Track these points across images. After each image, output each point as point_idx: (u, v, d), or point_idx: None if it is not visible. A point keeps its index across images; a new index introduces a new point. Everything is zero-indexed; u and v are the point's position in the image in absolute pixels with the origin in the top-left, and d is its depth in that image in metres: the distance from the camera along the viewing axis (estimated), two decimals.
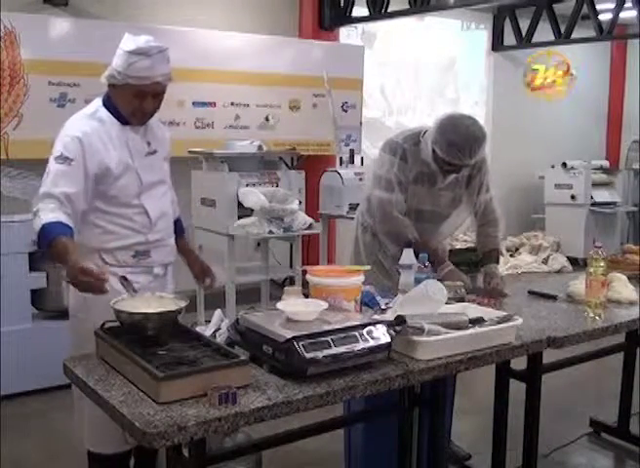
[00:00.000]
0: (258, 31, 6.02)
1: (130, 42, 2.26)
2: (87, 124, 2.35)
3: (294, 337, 1.79)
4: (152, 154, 2.46)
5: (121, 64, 2.24)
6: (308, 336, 1.81)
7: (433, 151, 2.76)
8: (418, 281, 2.38)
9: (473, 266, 2.96)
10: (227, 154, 4.87)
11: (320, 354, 1.79)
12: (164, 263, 2.53)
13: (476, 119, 2.82)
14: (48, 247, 2.14)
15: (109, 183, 2.33)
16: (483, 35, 8.30)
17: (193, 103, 5.68)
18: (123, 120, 2.36)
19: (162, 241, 2.48)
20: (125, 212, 2.38)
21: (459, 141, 2.67)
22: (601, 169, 8.26)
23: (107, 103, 2.37)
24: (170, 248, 2.55)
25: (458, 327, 2.07)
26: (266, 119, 6.10)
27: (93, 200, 2.33)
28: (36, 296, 4.09)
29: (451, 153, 2.69)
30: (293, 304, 2.04)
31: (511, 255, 7.93)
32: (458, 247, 5.99)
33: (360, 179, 5.52)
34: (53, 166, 2.28)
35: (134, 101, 2.30)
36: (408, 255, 2.54)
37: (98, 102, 2.41)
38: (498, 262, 2.98)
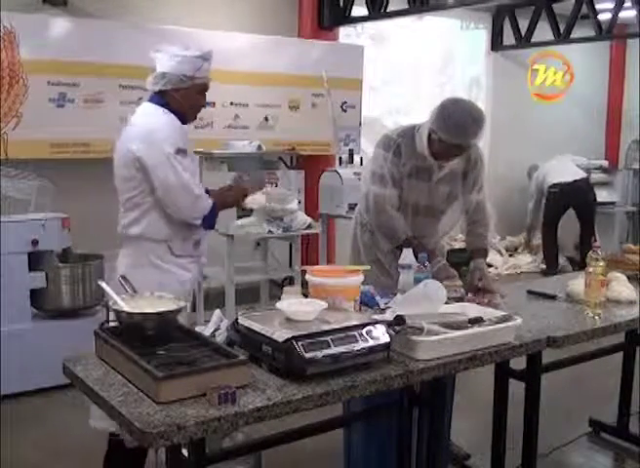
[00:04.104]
0: (257, 31, 6.02)
1: (187, 50, 2.60)
2: (173, 120, 2.62)
3: (293, 337, 1.80)
4: None
5: (189, 69, 2.58)
6: (308, 336, 1.82)
7: (430, 141, 2.77)
8: (417, 281, 2.38)
9: None
10: (227, 154, 4.88)
11: (319, 354, 1.80)
12: (205, 254, 2.83)
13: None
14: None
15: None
16: (482, 35, 8.29)
17: None
18: (181, 119, 2.65)
19: (207, 232, 2.79)
20: None
21: (464, 121, 2.70)
22: (600, 168, 8.26)
23: (166, 106, 2.62)
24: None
25: (457, 327, 2.08)
26: (266, 119, 6.10)
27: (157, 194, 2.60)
28: (36, 296, 4.09)
29: (456, 133, 2.72)
30: (292, 304, 2.04)
31: (511, 255, 7.92)
32: (457, 246, 5.99)
33: (359, 179, 5.51)
34: (174, 159, 2.56)
35: (198, 99, 2.67)
36: (407, 255, 2.54)
37: (155, 106, 2.65)
38: (485, 259, 2.99)
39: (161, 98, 2.64)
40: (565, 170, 7.23)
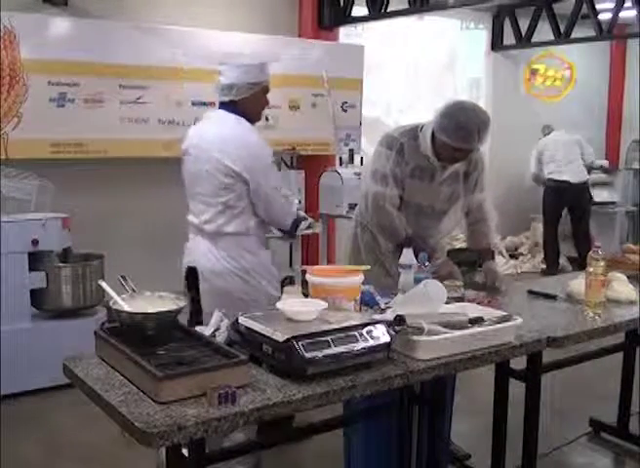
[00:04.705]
0: (257, 31, 6.01)
1: (249, 60, 2.88)
2: (255, 130, 2.88)
3: (293, 337, 1.80)
4: None
5: (254, 76, 2.83)
6: (308, 336, 1.82)
7: (434, 143, 2.77)
8: (417, 280, 2.38)
9: (472, 265, 2.97)
10: None
11: (320, 354, 1.80)
12: None
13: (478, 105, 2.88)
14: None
15: None
16: (483, 35, 8.29)
17: (192, 103, 5.64)
18: (250, 122, 2.87)
19: None
20: None
21: (467, 124, 2.68)
22: (600, 168, 8.25)
23: (240, 113, 2.83)
24: None
25: (457, 327, 2.07)
26: (266, 119, 6.08)
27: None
28: (36, 296, 4.09)
29: (460, 137, 2.70)
30: (292, 304, 2.04)
31: (511, 255, 7.92)
32: (457, 246, 5.98)
33: (359, 179, 5.52)
34: (271, 170, 2.88)
35: (264, 100, 2.93)
36: (407, 255, 2.54)
37: (234, 116, 2.83)
38: (494, 259, 3.04)
39: (232, 106, 2.84)
40: (569, 166, 7.27)
